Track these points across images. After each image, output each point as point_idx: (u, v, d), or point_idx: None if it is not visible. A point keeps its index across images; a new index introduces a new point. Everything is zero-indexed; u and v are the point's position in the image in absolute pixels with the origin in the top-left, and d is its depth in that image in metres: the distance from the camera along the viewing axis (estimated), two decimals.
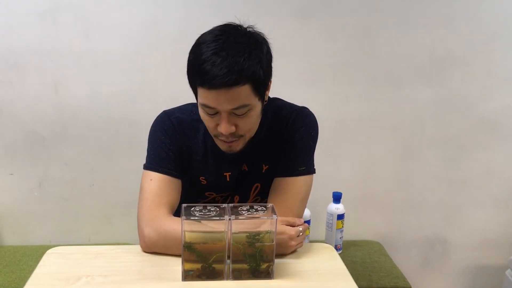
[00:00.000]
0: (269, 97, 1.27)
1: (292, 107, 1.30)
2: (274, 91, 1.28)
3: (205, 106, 1.10)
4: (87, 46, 1.83)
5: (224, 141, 1.16)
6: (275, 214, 1.03)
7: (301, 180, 1.25)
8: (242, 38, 1.09)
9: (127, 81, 1.88)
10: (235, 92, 1.05)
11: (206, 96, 1.08)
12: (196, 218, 1.01)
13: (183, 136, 1.26)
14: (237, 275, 1.05)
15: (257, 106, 1.14)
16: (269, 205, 1.07)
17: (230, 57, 1.04)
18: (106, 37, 1.83)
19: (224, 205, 1.05)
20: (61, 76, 1.85)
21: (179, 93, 1.45)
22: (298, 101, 1.34)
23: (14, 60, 1.82)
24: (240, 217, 1.02)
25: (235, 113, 1.10)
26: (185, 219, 1.00)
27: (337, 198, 1.91)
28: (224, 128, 1.11)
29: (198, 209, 1.04)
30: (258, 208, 1.05)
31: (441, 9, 1.92)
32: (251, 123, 1.15)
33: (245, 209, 1.05)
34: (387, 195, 2.10)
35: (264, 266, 1.05)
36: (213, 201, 1.34)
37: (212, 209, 1.04)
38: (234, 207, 1.05)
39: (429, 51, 1.96)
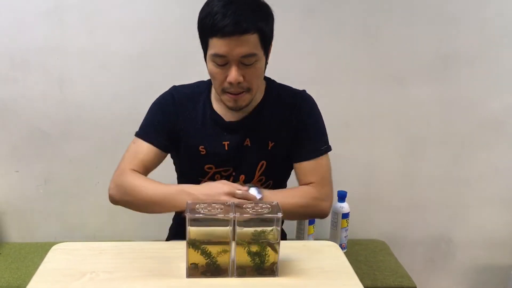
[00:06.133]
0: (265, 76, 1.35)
1: (293, 90, 1.39)
2: None
3: (216, 56, 1.17)
4: (92, 44, 1.83)
5: (231, 95, 1.22)
6: (280, 212, 1.03)
7: (325, 157, 1.36)
8: None
9: (132, 79, 1.88)
10: (245, 40, 1.14)
11: (218, 45, 1.15)
12: (200, 215, 1.01)
13: (181, 108, 1.33)
14: (242, 272, 1.05)
15: (262, 59, 1.22)
16: (274, 202, 1.07)
17: (239, 9, 1.14)
18: (111, 35, 1.83)
19: (229, 202, 1.05)
20: (66, 74, 1.86)
21: None
22: None
23: (20, 58, 1.83)
24: (244, 215, 1.02)
25: (244, 63, 1.18)
26: (190, 216, 1.00)
27: (342, 197, 1.91)
28: (234, 76, 1.17)
29: (202, 206, 1.04)
30: (263, 206, 1.06)
31: (447, 7, 1.91)
32: (257, 75, 1.23)
33: (249, 206, 1.05)
34: (392, 194, 2.09)
35: (268, 263, 1.05)
36: (213, 179, 1.35)
37: (216, 206, 1.04)
38: (239, 204, 1.05)
39: (435, 50, 1.95)
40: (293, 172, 1.43)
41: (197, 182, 1.34)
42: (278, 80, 1.44)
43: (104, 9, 1.81)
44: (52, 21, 1.80)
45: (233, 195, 1.15)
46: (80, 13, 1.81)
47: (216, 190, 1.16)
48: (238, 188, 1.17)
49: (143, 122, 1.37)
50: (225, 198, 1.13)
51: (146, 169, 1.32)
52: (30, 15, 1.79)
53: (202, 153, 1.34)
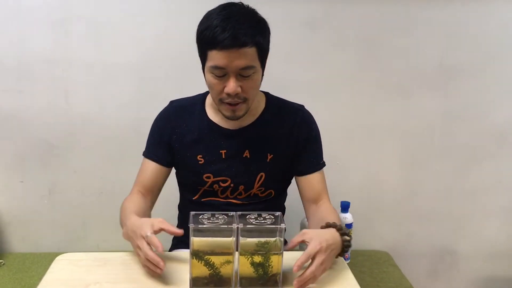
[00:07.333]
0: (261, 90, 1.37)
1: (293, 105, 1.42)
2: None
3: (215, 67, 1.20)
4: (97, 56, 1.85)
5: (229, 105, 1.25)
6: (283, 223, 1.04)
7: (323, 171, 1.42)
8: (246, 10, 1.24)
9: (137, 90, 1.89)
10: (243, 53, 1.17)
11: (217, 57, 1.18)
12: (204, 226, 1.02)
13: (177, 121, 1.38)
14: (245, 284, 1.05)
15: (259, 71, 1.25)
16: (277, 213, 1.07)
17: (238, 23, 1.17)
18: (116, 47, 1.85)
19: (232, 213, 1.06)
20: (71, 85, 1.87)
21: None
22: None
23: (26, 69, 1.84)
24: (248, 226, 1.02)
25: (242, 75, 1.20)
26: (193, 227, 1.01)
27: (345, 207, 1.90)
28: (232, 87, 1.20)
29: (206, 217, 1.04)
30: (266, 217, 1.06)
31: (449, 19, 1.92)
32: (254, 86, 1.26)
33: (253, 217, 1.05)
34: (395, 204, 2.09)
35: (271, 274, 1.05)
36: (212, 192, 1.37)
37: (220, 217, 1.04)
38: (242, 215, 1.06)
39: (438, 60, 1.96)
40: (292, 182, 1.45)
41: (197, 191, 1.36)
42: (281, 91, 1.45)
43: (110, 21, 1.83)
44: (58, 32, 1.82)
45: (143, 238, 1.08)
46: (86, 25, 1.82)
47: (139, 231, 1.09)
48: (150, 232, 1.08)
49: (146, 142, 1.44)
50: (138, 242, 1.09)
51: (151, 187, 1.40)
52: (36, 26, 1.81)
53: (200, 162, 1.36)
